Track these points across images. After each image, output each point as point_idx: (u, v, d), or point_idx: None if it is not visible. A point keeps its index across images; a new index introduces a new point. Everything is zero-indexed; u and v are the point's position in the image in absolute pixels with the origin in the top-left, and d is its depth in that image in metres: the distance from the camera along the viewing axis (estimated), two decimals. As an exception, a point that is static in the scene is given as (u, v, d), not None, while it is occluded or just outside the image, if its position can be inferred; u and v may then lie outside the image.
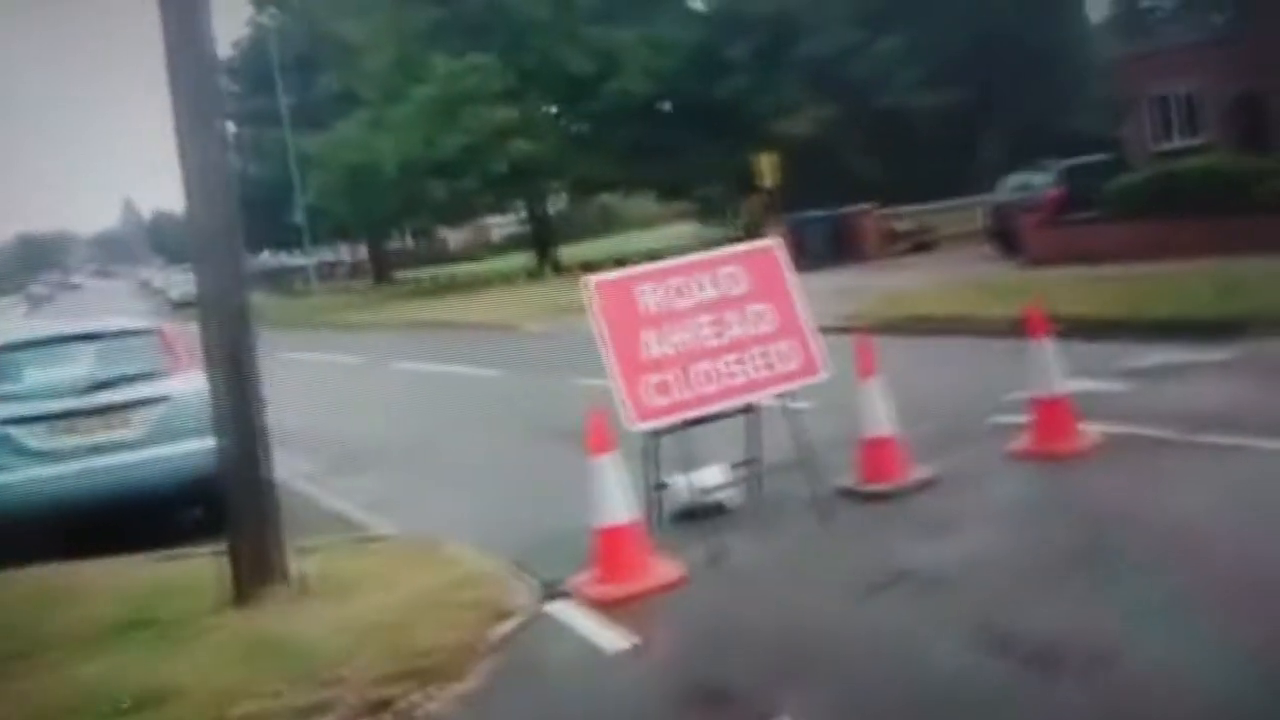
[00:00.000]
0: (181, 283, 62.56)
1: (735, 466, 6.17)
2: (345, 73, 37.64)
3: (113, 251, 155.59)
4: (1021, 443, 6.32)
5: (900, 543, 5.27)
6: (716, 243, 31.25)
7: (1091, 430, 6.29)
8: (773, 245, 6.13)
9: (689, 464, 5.94)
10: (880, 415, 6.01)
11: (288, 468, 9.67)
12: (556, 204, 42.39)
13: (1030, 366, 6.26)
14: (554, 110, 37.90)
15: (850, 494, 6.02)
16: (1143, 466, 5.84)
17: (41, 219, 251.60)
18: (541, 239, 38.90)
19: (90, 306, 71.26)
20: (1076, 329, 9.12)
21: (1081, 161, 18.77)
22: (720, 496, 6.02)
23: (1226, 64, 20.78)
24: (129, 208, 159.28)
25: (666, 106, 35.92)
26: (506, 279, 33.05)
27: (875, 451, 6.01)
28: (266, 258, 69.26)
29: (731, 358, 5.70)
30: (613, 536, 5.11)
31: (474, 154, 32.74)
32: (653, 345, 5.58)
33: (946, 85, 27.70)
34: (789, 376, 5.81)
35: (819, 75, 30.85)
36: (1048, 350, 6.24)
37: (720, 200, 36.86)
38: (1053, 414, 6.18)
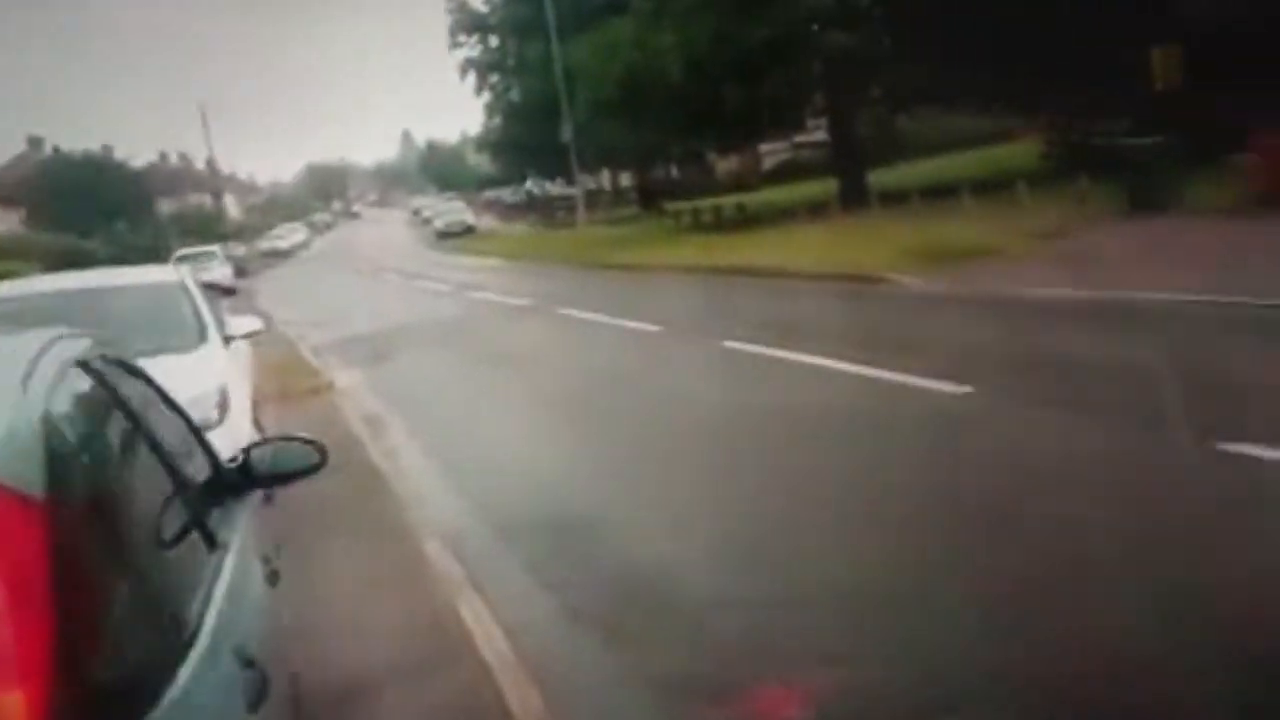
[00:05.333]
0: (445, 212, 60.25)
1: None
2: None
3: (391, 181, 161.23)
4: None
5: None
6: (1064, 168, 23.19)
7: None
8: None
9: None
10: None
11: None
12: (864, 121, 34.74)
13: None
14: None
15: None
16: None
17: (328, 150, 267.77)
18: (848, 162, 31.56)
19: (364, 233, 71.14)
20: None
21: None
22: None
23: None
24: (407, 139, 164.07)
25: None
26: (818, 208, 26.16)
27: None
28: (530, 186, 65.82)
29: None
30: None
31: (779, 50, 25.93)
32: None
33: None
34: None
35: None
36: None
37: (1079, 112, 27.89)
38: None
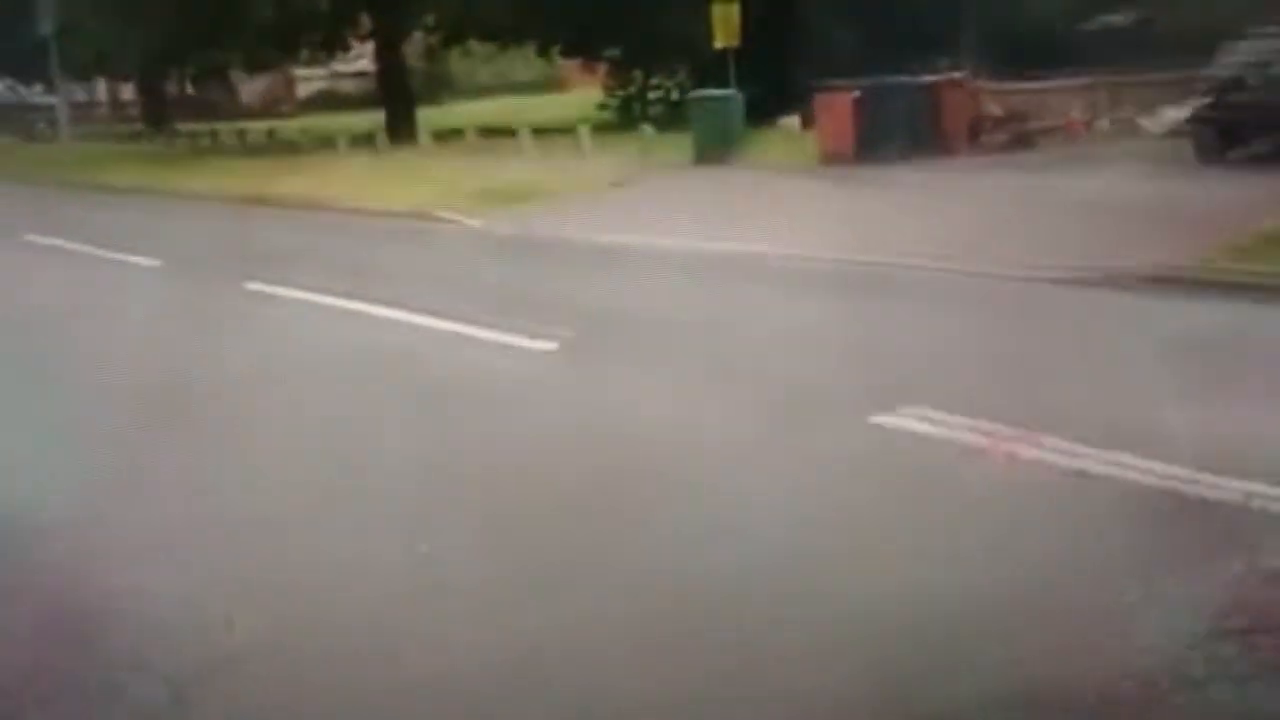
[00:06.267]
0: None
1: None
2: None
3: None
4: None
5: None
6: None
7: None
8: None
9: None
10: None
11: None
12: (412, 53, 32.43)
13: None
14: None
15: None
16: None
17: None
18: (395, 94, 29.12)
19: None
20: None
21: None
22: None
23: None
24: None
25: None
26: (362, 141, 23.54)
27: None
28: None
29: None
30: None
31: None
32: None
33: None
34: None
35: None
36: None
37: (638, 63, 28.21)
38: None
